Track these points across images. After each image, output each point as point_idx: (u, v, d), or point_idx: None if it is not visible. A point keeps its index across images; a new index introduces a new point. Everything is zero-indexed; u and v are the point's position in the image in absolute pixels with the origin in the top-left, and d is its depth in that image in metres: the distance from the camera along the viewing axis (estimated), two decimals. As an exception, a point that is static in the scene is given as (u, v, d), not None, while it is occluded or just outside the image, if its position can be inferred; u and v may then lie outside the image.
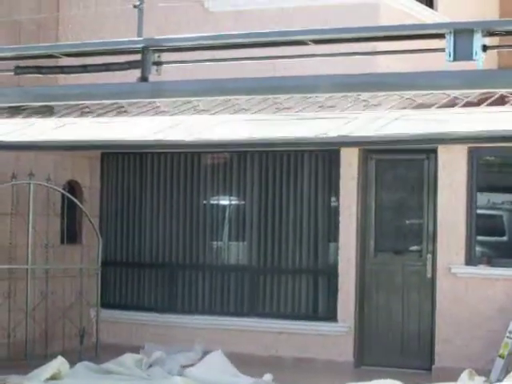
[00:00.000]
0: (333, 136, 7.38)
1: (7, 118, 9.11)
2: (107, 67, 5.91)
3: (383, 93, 7.17)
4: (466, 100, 8.18)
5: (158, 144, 8.33)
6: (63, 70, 6.75)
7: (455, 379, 8.19)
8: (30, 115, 9.11)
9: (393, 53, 5.60)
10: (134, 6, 8.88)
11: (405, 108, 8.41)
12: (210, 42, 5.38)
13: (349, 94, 7.79)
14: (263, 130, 7.93)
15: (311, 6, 9.98)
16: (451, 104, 8.13)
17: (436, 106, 8.19)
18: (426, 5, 10.98)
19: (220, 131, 7.93)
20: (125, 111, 9.08)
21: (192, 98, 7.73)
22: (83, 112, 9.11)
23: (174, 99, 8.21)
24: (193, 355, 9.25)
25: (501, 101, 7.87)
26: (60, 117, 9.03)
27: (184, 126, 8.25)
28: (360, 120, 7.72)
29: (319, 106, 8.35)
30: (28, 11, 11.07)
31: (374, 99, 8.33)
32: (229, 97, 7.57)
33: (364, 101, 8.42)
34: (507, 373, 8.21)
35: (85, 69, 6.21)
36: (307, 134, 7.60)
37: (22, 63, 6.49)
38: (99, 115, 9.04)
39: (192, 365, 8.96)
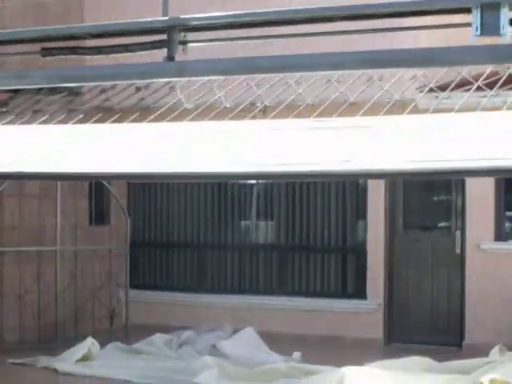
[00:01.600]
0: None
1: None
2: (127, 48, 6.17)
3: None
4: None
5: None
6: (86, 51, 7.05)
7: (486, 355, 8.20)
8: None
9: (419, 28, 5.59)
10: (158, -14, 8.71)
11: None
12: (238, 19, 5.45)
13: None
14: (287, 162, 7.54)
15: None
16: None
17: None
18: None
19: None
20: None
21: (221, 77, 7.67)
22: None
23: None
24: (223, 334, 9.29)
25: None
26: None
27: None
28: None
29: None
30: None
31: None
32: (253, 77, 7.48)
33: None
34: None
35: (110, 49, 6.51)
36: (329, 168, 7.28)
37: (47, 45, 6.85)
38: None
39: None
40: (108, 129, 7.52)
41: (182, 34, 5.24)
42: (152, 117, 7.57)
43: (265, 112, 8.01)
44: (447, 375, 7.99)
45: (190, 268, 11.27)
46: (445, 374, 8.04)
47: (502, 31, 4.29)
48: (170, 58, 5.12)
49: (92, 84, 8.48)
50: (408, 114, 7.25)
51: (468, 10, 4.47)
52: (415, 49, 6.02)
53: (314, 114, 7.39)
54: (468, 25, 4.48)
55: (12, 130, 7.93)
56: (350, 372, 7.60)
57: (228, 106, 7.94)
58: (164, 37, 5.42)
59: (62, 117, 8.15)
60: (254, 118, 8.06)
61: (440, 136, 5.67)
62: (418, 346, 9.19)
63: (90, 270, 10.25)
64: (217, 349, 8.81)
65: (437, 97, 8.10)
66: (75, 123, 8.07)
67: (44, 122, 8.02)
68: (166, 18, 6.18)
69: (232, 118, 7.59)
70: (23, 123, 8.11)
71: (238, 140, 7.13)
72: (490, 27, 4.28)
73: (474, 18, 4.38)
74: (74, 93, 8.96)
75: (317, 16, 5.18)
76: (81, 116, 8.29)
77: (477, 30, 4.37)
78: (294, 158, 6.74)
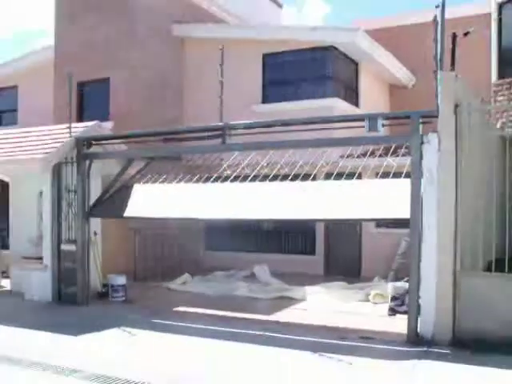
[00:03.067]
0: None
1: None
2: (202, 137, 9.52)
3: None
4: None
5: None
6: (182, 139, 10.69)
7: (371, 281, 11.87)
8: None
9: (342, 128, 8.61)
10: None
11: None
12: (259, 125, 9.13)
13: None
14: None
15: (303, 107, 12.91)
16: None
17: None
18: (356, 105, 14.58)
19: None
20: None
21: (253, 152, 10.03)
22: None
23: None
24: (247, 273, 13.02)
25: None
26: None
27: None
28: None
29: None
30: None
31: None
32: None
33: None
34: (397, 279, 10.82)
35: (194, 139, 9.81)
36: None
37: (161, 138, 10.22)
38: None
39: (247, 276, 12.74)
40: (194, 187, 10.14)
41: (229, 131, 9.10)
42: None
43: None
44: (353, 290, 11.23)
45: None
46: (351, 289, 11.30)
47: (379, 129, 8.69)
48: (223, 142, 9.17)
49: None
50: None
51: (363, 119, 8.34)
52: (342, 138, 8.82)
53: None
54: (363, 126, 8.14)
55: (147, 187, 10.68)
56: (308, 288, 11.15)
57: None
58: (220, 132, 9.17)
59: (175, 176, 10.87)
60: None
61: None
62: (339, 277, 12.35)
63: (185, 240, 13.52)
64: (249, 276, 12.31)
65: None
66: (181, 180, 10.63)
67: (165, 180, 10.78)
68: (222, 123, 9.92)
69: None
70: (154, 182, 10.83)
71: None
72: (373, 127, 8.63)
73: (366, 123, 8.72)
74: (176, 158, 11.91)
75: (295, 122, 8.61)
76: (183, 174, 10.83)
77: (367, 128, 8.22)
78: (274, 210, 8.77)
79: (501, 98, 13.21)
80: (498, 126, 11.74)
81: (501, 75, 13.15)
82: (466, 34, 8.35)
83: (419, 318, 7.49)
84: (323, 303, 10.50)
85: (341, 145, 9.56)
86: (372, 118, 7.81)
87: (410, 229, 7.58)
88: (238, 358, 7.02)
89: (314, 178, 10.69)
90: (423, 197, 7.51)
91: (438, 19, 7.88)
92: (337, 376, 6.30)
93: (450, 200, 7.32)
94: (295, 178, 10.09)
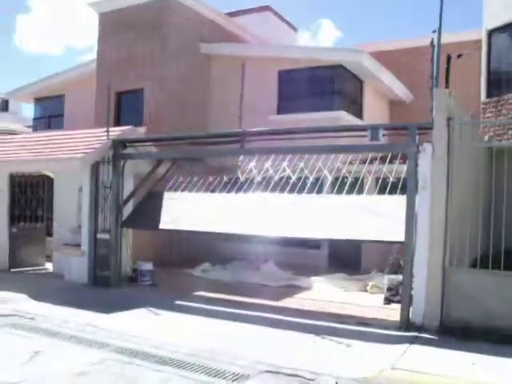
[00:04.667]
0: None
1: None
2: (224, 141, 9.58)
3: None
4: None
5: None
6: (204, 143, 10.52)
7: (369, 273, 11.61)
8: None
9: (346, 137, 8.54)
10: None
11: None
12: (272, 132, 9.32)
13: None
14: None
15: (313, 118, 12.66)
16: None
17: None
18: (360, 118, 14.41)
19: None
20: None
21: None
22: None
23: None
24: (259, 262, 12.62)
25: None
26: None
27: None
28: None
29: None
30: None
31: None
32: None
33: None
34: (392, 272, 10.05)
35: (216, 143, 10.08)
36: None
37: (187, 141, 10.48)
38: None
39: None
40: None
41: (246, 137, 9.10)
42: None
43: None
44: (352, 281, 11.14)
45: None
46: (351, 280, 11.23)
47: (379, 139, 8.73)
48: (242, 146, 9.28)
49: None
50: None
51: (365, 130, 8.64)
52: (348, 145, 8.56)
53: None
54: (365, 136, 8.24)
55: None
56: (314, 278, 11.16)
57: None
58: (239, 138, 9.23)
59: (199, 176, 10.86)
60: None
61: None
62: (341, 270, 11.99)
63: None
64: (259, 269, 12.20)
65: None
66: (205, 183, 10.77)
67: (191, 183, 10.76)
68: (241, 130, 10.02)
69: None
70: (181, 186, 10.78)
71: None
72: (374, 137, 8.71)
73: (368, 132, 8.80)
74: (199, 160, 12.17)
75: (302, 130, 8.78)
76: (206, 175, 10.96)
77: (370, 137, 8.65)
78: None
79: (489, 114, 13.21)
80: (486, 138, 11.68)
81: (489, 95, 13.27)
82: (459, 56, 8.30)
83: (411, 307, 7.45)
84: (326, 292, 10.45)
85: (346, 151, 9.36)
86: (373, 128, 7.77)
87: (405, 228, 7.50)
88: (248, 337, 7.01)
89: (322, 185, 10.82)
90: (417, 199, 7.45)
91: (435, 43, 7.84)
92: (337, 355, 6.25)
93: (441, 203, 7.26)
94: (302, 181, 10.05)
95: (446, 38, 15.61)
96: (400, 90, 15.81)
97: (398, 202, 7.82)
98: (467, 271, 7.18)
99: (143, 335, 6.94)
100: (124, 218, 10.48)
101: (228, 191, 10.62)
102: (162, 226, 9.90)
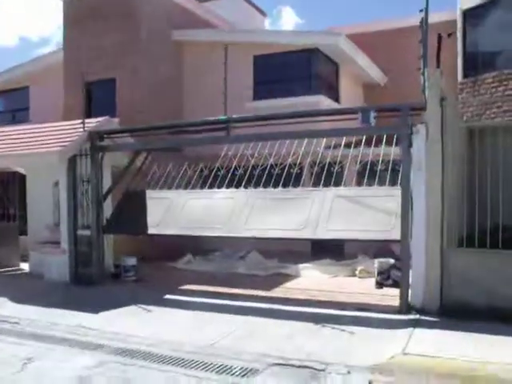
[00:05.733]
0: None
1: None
2: (209, 130, 9.27)
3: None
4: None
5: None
6: (188, 131, 10.08)
7: (356, 258, 11.50)
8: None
9: (329, 121, 8.50)
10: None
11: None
12: (260, 118, 8.85)
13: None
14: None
15: (292, 103, 12.53)
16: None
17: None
18: (335, 101, 14.37)
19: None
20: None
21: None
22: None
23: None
24: (243, 253, 12.41)
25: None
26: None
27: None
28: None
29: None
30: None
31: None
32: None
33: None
34: (376, 256, 10.17)
35: (199, 131, 9.54)
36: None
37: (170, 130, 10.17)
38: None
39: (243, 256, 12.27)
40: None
41: (232, 123, 8.89)
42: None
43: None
44: (340, 266, 11.00)
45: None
46: (339, 266, 11.07)
47: (371, 121, 8.53)
48: (227, 133, 9.15)
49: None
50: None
51: (356, 112, 8.53)
52: (339, 128, 8.63)
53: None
54: (356, 118, 8.13)
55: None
56: (301, 265, 11.01)
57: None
58: (225, 125, 9.00)
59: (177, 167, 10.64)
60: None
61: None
62: (325, 255, 11.68)
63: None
64: (243, 259, 11.99)
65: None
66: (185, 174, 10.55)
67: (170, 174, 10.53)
68: (226, 116, 9.80)
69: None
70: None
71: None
72: (365, 120, 8.50)
73: (359, 115, 8.54)
74: (177, 149, 11.99)
75: (287, 115, 8.37)
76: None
77: (361, 120, 8.48)
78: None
79: (465, 94, 13.30)
80: (465, 118, 11.72)
81: (465, 75, 13.37)
82: (449, 35, 8.16)
83: (410, 290, 7.36)
84: (315, 278, 10.34)
85: (337, 135, 9.63)
86: (364, 111, 7.60)
87: (401, 211, 7.39)
88: (248, 329, 6.80)
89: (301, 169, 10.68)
90: (412, 181, 7.35)
91: (423, 22, 7.66)
92: (343, 343, 6.11)
93: (436, 184, 7.18)
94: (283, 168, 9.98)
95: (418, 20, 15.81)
96: (375, 73, 15.74)
97: (391, 192, 7.78)
98: (465, 252, 7.13)
99: (138, 334, 6.66)
100: (104, 222, 10.10)
101: (210, 186, 10.39)
102: (147, 230, 9.55)
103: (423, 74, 7.24)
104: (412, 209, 7.31)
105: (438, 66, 7.22)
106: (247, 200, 9.12)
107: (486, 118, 12.31)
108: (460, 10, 13.07)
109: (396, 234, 7.35)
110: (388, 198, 7.78)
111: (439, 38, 6.73)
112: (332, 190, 8.64)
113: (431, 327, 6.60)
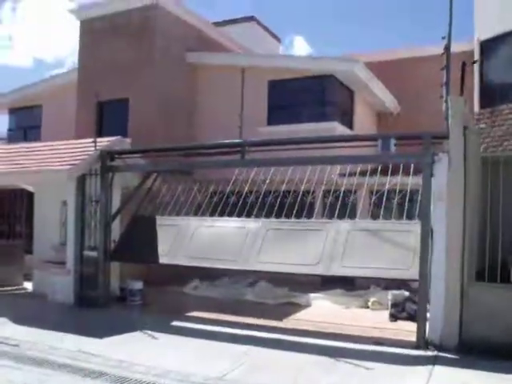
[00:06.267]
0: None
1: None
2: (224, 153, 9.02)
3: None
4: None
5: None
6: (197, 154, 10.17)
7: (367, 288, 11.10)
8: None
9: (344, 147, 8.30)
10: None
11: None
12: (277, 142, 8.71)
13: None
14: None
15: (306, 129, 12.19)
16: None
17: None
18: (349, 128, 14.19)
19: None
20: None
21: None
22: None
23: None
24: (251, 280, 11.90)
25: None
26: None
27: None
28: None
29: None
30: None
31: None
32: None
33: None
34: (388, 288, 10.10)
35: (212, 154, 9.46)
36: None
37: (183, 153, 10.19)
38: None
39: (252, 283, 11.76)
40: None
41: (247, 147, 8.74)
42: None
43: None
44: (351, 297, 10.65)
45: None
46: (350, 296, 10.70)
47: (391, 148, 8.29)
48: (242, 157, 9.02)
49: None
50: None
51: (375, 139, 8.54)
52: (359, 155, 8.35)
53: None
54: (371, 146, 8.19)
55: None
56: (312, 295, 10.64)
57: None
58: (240, 148, 8.82)
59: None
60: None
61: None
62: (336, 285, 11.16)
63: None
64: (252, 286, 11.51)
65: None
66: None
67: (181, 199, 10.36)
68: (241, 140, 9.53)
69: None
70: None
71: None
72: (385, 147, 8.30)
73: (379, 142, 8.32)
74: (187, 173, 11.80)
75: (297, 141, 8.34)
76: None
77: (380, 147, 8.25)
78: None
79: (482, 125, 13.05)
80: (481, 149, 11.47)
81: (482, 105, 13.15)
82: (473, 63, 7.99)
83: (427, 325, 7.05)
84: (327, 309, 10.02)
85: (357, 162, 9.39)
86: (385, 138, 7.40)
87: (420, 243, 7.12)
88: (260, 361, 6.48)
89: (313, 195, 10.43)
90: (432, 212, 7.11)
91: (445, 49, 7.59)
92: (360, 380, 5.77)
93: (458, 216, 6.93)
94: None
95: (434, 50, 15.72)
96: (390, 101, 15.61)
97: (409, 226, 7.54)
98: (488, 286, 6.83)
99: (143, 362, 6.36)
100: (112, 245, 9.87)
101: (220, 211, 10.17)
102: (157, 259, 9.26)
103: (446, 101, 7.03)
104: (432, 241, 7.01)
105: (462, 94, 7.02)
106: (259, 230, 8.85)
107: (503, 149, 12.02)
108: (477, 41, 12.95)
109: (414, 273, 7.06)
110: (406, 233, 7.53)
111: (463, 65, 6.54)
112: (347, 223, 8.37)
113: (451, 365, 6.29)
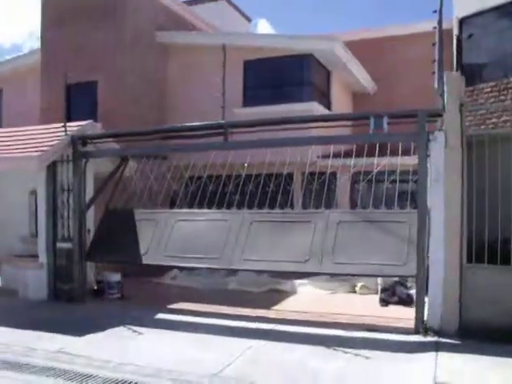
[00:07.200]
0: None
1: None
2: (203, 135, 8.50)
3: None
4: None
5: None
6: (182, 137, 9.30)
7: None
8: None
9: (325, 127, 7.95)
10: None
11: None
12: (261, 122, 8.20)
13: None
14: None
15: (284, 110, 11.67)
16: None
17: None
18: (327, 108, 13.82)
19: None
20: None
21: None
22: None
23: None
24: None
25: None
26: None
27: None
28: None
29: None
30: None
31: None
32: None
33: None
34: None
35: (190, 137, 9.12)
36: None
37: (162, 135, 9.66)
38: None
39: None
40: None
41: (229, 129, 8.28)
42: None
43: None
44: (337, 282, 10.32)
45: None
46: (336, 282, 10.33)
47: (384, 127, 7.99)
48: (225, 139, 8.55)
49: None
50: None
51: (368, 118, 8.19)
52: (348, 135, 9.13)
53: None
54: (367, 124, 7.50)
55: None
56: (297, 281, 10.45)
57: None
58: (222, 130, 8.28)
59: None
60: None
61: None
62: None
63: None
64: (234, 274, 10.93)
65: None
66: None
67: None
68: (224, 121, 9.13)
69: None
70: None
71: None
72: (378, 126, 7.96)
73: (371, 121, 8.05)
74: (163, 157, 11.16)
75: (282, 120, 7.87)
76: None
77: (373, 127, 8.04)
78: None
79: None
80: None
81: (461, 84, 12.99)
82: (469, 37, 7.78)
83: (426, 310, 6.84)
84: (314, 295, 9.81)
85: (346, 142, 9.33)
86: (377, 117, 7.04)
87: (417, 225, 6.88)
88: (254, 355, 6.15)
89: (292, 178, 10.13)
90: (430, 193, 6.86)
91: (436, 25, 7.35)
92: (362, 371, 5.51)
93: (456, 196, 6.71)
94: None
95: (409, 29, 15.53)
96: (366, 81, 15.35)
97: (404, 216, 7.23)
98: (487, 268, 6.65)
99: (132, 361, 5.94)
100: (87, 248, 9.31)
101: (199, 202, 9.69)
102: (137, 259, 8.69)
103: (441, 78, 6.75)
104: (429, 224, 6.78)
105: (457, 70, 6.75)
106: (242, 224, 8.30)
107: (485, 127, 11.97)
108: (456, 18, 12.77)
109: (411, 269, 6.81)
110: (400, 223, 7.21)
111: (458, 40, 6.27)
112: (336, 212, 7.96)
113: (455, 351, 6.08)
